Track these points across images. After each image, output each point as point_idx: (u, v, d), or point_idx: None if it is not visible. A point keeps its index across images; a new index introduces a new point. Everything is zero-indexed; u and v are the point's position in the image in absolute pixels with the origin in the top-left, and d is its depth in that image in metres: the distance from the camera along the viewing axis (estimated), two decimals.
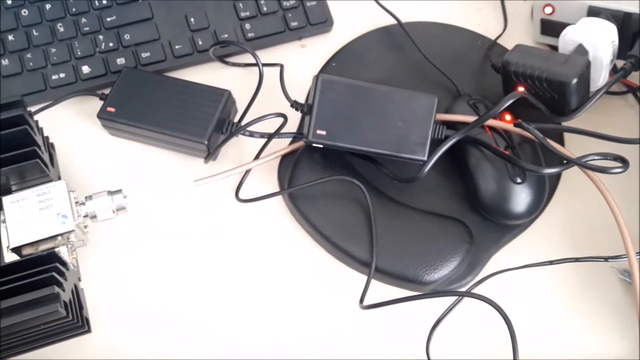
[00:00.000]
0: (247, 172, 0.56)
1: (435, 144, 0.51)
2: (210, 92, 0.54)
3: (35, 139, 0.49)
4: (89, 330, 0.49)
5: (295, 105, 0.53)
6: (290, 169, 0.55)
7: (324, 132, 0.51)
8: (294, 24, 0.61)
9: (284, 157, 0.57)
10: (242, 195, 0.55)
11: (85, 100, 0.58)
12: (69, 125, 0.58)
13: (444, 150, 0.50)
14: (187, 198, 0.55)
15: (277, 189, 0.56)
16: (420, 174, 0.50)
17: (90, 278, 0.52)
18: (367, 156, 0.54)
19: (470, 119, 0.53)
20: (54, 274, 0.43)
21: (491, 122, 0.51)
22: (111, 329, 0.51)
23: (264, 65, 0.56)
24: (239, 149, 0.57)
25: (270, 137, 0.54)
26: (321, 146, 0.51)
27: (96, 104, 0.57)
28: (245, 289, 0.53)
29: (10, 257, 0.49)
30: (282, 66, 0.56)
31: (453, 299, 0.51)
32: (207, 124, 0.53)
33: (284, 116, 0.53)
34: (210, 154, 0.54)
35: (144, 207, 0.55)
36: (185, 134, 0.53)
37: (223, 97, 0.54)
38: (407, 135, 0.51)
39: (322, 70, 0.60)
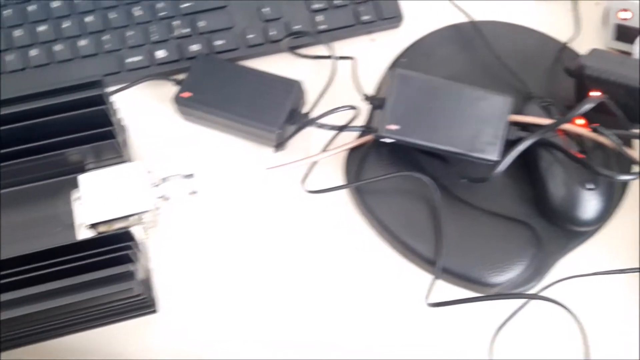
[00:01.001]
0: (314, 163, 0.56)
1: (507, 145, 0.51)
2: (282, 82, 0.55)
3: (112, 120, 0.50)
4: (155, 310, 0.50)
5: (368, 99, 0.53)
6: (357, 163, 0.55)
7: (396, 127, 0.51)
8: (364, 17, 0.61)
9: (351, 151, 0.57)
10: (307, 186, 0.55)
11: (158, 85, 0.59)
12: (141, 108, 0.59)
13: (520, 151, 0.50)
14: (254, 185, 0.56)
15: (341, 181, 0.56)
16: (494, 174, 0.50)
17: (159, 259, 0.53)
18: (436, 154, 0.53)
19: (544, 121, 0.52)
20: (130, 252, 0.44)
21: (567, 125, 0.51)
22: (176, 310, 0.52)
23: (327, 57, 0.56)
24: (305, 140, 0.57)
25: (340, 129, 0.54)
26: (392, 141, 0.51)
27: (168, 88, 0.58)
28: (307, 278, 0.53)
29: (83, 235, 0.50)
30: (355, 60, 0.56)
31: (516, 302, 0.50)
32: (279, 114, 0.53)
33: (357, 109, 0.53)
34: (281, 143, 0.54)
35: (213, 192, 0.55)
36: (259, 122, 0.53)
37: (295, 88, 0.55)
38: (479, 134, 0.51)
39: (392, 65, 0.60)
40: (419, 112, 0.51)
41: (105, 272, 0.43)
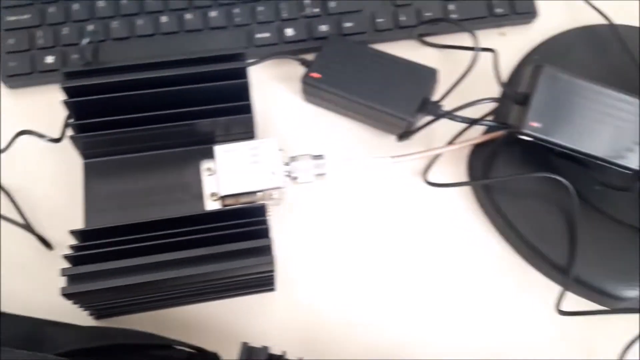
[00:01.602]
0: (437, 155, 0.55)
1: None
2: (417, 70, 0.54)
3: (250, 94, 0.50)
4: (274, 289, 0.50)
5: (509, 92, 0.51)
6: (484, 159, 0.54)
7: (538, 125, 0.49)
8: (498, 10, 0.60)
9: (476, 146, 0.55)
10: (429, 178, 0.54)
11: (283, 63, 0.58)
12: (264, 85, 0.58)
13: None
14: (374, 172, 0.55)
15: (463, 176, 0.55)
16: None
17: (278, 237, 0.52)
18: (571, 157, 0.51)
19: None
20: (268, 226, 0.44)
21: None
22: (292, 289, 0.51)
23: (469, 48, 0.55)
24: (428, 131, 0.56)
25: (473, 122, 0.53)
26: (529, 139, 0.50)
27: (293, 67, 0.57)
28: (422, 272, 0.52)
29: (210, 206, 0.49)
30: (496, 52, 0.54)
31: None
32: (412, 101, 0.52)
33: (499, 101, 0.51)
34: (409, 132, 0.53)
35: (332, 175, 0.54)
36: (391, 108, 0.52)
37: (432, 76, 0.53)
38: (622, 141, 0.48)
39: (523, 62, 0.58)
40: (562, 112, 0.49)
41: (246, 244, 0.42)
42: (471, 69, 0.54)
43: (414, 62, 0.54)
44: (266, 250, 0.42)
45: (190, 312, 0.50)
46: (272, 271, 0.44)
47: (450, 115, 0.52)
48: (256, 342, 0.42)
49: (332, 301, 0.51)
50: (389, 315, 0.50)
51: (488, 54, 0.57)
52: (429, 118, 0.53)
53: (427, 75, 0.53)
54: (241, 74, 0.48)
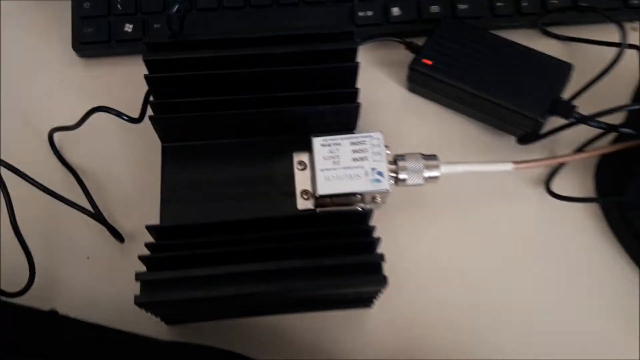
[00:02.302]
0: (562, 164, 0.47)
1: None
2: (549, 63, 0.46)
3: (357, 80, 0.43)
4: (371, 305, 0.43)
5: None
6: (616, 171, 0.46)
7: None
8: (634, 2, 0.52)
9: (604, 156, 0.48)
10: (552, 188, 0.47)
11: (385, 46, 0.52)
12: (363, 70, 0.51)
13: None
14: (488, 176, 0.47)
15: (588, 187, 0.47)
16: None
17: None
18: None
19: None
20: (377, 238, 0.37)
21: None
22: (388, 306, 0.44)
23: (612, 44, 0.47)
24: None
25: (610, 129, 0.45)
26: None
27: (397, 52, 0.50)
28: (537, 293, 0.45)
29: (301, 205, 0.43)
30: None
31: None
32: (543, 99, 0.45)
33: None
34: (535, 135, 0.46)
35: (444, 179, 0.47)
36: (518, 105, 0.45)
37: (565, 72, 0.46)
38: None
39: None
40: None
41: (354, 259, 0.36)
42: (613, 67, 0.46)
43: (545, 54, 0.47)
44: (377, 268, 0.36)
45: (272, 323, 0.44)
46: (380, 291, 0.38)
47: (589, 120, 0.44)
48: None
49: (433, 321, 0.44)
50: (496, 339, 0.44)
51: (614, 50, 0.49)
52: (560, 121, 0.46)
53: (561, 71, 0.46)
54: (350, 55, 0.42)
